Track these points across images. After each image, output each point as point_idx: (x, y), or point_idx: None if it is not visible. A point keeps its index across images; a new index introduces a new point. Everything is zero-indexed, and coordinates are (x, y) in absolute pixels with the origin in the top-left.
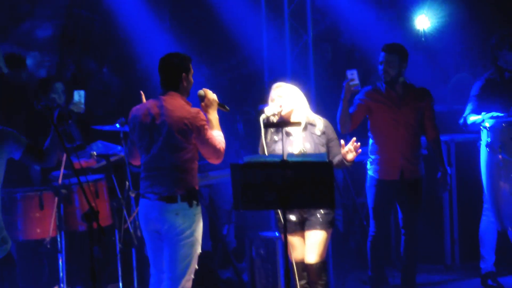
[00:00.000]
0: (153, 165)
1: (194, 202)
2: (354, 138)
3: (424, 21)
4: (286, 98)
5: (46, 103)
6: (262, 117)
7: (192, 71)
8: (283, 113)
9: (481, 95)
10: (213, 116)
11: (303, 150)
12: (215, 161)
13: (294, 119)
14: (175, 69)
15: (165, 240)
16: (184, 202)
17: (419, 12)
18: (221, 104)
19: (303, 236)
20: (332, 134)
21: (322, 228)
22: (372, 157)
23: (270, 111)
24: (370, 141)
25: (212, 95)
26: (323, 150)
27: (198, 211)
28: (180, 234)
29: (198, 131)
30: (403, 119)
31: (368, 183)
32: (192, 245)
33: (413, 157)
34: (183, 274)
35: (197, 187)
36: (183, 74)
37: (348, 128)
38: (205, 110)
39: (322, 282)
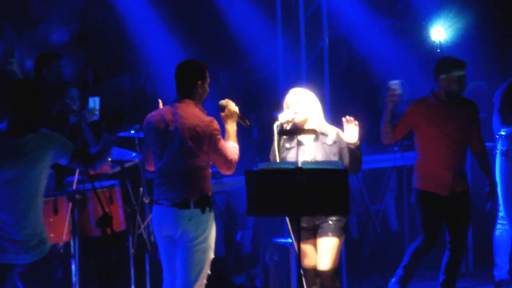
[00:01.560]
0: (166, 171)
1: (207, 208)
2: (346, 118)
3: (440, 32)
4: (301, 105)
5: (61, 108)
6: (276, 124)
7: (208, 79)
8: (297, 120)
9: (503, 108)
10: (231, 127)
11: (314, 159)
12: (226, 171)
13: (308, 127)
14: (190, 75)
15: (178, 246)
16: (197, 208)
17: (435, 23)
18: (241, 118)
19: (315, 243)
20: (344, 142)
21: (334, 235)
22: (420, 172)
23: (284, 118)
24: (417, 155)
25: (233, 107)
26: (334, 159)
27: (211, 217)
28: (193, 240)
29: (210, 139)
30: (453, 134)
31: (416, 196)
32: (205, 251)
33: (462, 171)
34: (196, 279)
35: (210, 193)
36: (199, 81)
37: (390, 139)
38: (225, 120)
39: None
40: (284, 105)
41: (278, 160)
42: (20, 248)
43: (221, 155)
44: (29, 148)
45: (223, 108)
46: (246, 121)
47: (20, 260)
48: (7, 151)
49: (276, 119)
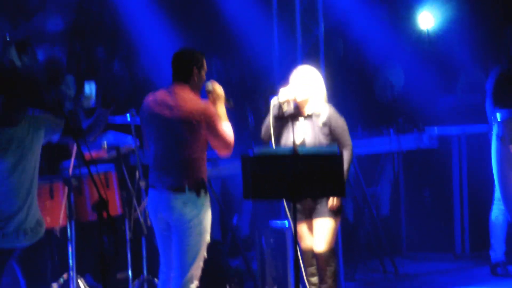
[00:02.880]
0: (161, 155)
1: (202, 192)
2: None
3: (428, 18)
4: (305, 85)
5: (54, 95)
6: (273, 102)
7: (205, 68)
8: (298, 100)
9: (496, 91)
10: (221, 109)
11: (303, 141)
12: (225, 152)
13: (308, 108)
14: (186, 62)
15: (173, 229)
16: (192, 191)
17: (423, 9)
18: (226, 99)
19: (311, 225)
20: (335, 122)
21: (330, 216)
22: None
23: (285, 97)
24: None
25: (219, 89)
26: (324, 140)
27: (206, 201)
28: (188, 223)
29: (208, 124)
30: None
31: None
32: (201, 233)
33: None
34: (192, 262)
35: (205, 177)
36: (194, 67)
37: None
38: (213, 103)
39: (331, 269)
40: (290, 80)
41: (272, 137)
42: (20, 230)
43: (221, 138)
44: (24, 134)
45: (209, 91)
46: (231, 101)
47: (20, 243)
48: (4, 139)
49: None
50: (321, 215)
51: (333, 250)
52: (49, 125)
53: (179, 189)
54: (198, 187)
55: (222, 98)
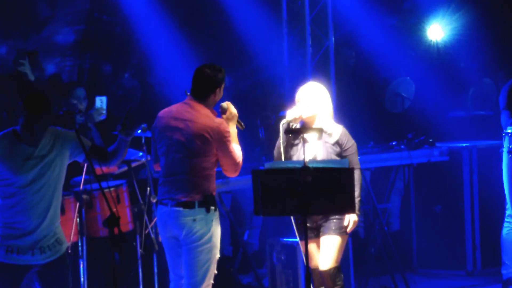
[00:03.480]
0: (172, 170)
1: (212, 208)
2: None
3: (437, 30)
4: (311, 102)
5: (67, 108)
6: (282, 122)
7: (224, 83)
8: (304, 117)
9: (509, 104)
10: (233, 129)
11: (315, 158)
12: (232, 174)
13: (316, 125)
14: (210, 82)
15: (183, 246)
16: (201, 208)
17: (432, 21)
18: (239, 121)
19: (318, 243)
20: (347, 142)
21: (336, 233)
22: None
23: (292, 115)
24: None
25: (234, 110)
26: (335, 158)
27: (215, 217)
28: (197, 240)
29: (220, 142)
30: None
31: None
32: (210, 250)
33: None
34: (203, 280)
35: (214, 193)
36: (217, 88)
37: None
38: (226, 123)
39: (338, 287)
40: (296, 100)
41: (283, 158)
42: (36, 248)
43: (231, 157)
44: (46, 152)
45: (224, 110)
46: (242, 123)
47: (37, 261)
48: (25, 156)
49: (283, 117)
50: (327, 232)
51: (339, 267)
52: (75, 145)
53: (188, 205)
54: (207, 203)
55: (235, 118)
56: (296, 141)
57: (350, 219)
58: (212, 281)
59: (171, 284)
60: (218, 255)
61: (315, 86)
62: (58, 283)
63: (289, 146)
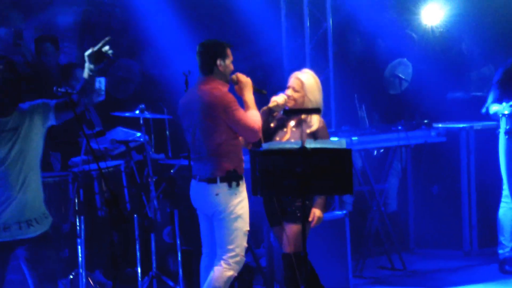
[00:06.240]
0: (195, 149)
1: (234, 183)
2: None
3: (433, 13)
4: (299, 92)
5: (66, 89)
6: (263, 108)
7: (230, 57)
8: (289, 105)
9: (502, 83)
10: (248, 97)
11: None
12: (251, 139)
13: (298, 115)
14: (209, 55)
15: (211, 219)
16: (223, 183)
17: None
18: (257, 89)
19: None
20: (322, 136)
21: (298, 220)
22: None
23: (273, 102)
24: None
25: (244, 78)
26: None
27: (238, 191)
28: (221, 214)
29: (225, 112)
30: None
31: None
32: (234, 222)
33: None
34: (231, 250)
35: (238, 168)
36: (218, 59)
37: None
38: (240, 93)
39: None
40: (287, 86)
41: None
42: (23, 222)
43: (242, 125)
44: (16, 124)
45: (235, 82)
46: (263, 90)
47: (23, 235)
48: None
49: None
50: (289, 219)
51: (300, 253)
52: (41, 110)
53: (212, 181)
54: (229, 178)
55: (248, 85)
56: (274, 126)
57: (315, 214)
58: (243, 254)
59: (201, 257)
60: (246, 228)
61: (305, 76)
62: (46, 264)
63: (265, 131)
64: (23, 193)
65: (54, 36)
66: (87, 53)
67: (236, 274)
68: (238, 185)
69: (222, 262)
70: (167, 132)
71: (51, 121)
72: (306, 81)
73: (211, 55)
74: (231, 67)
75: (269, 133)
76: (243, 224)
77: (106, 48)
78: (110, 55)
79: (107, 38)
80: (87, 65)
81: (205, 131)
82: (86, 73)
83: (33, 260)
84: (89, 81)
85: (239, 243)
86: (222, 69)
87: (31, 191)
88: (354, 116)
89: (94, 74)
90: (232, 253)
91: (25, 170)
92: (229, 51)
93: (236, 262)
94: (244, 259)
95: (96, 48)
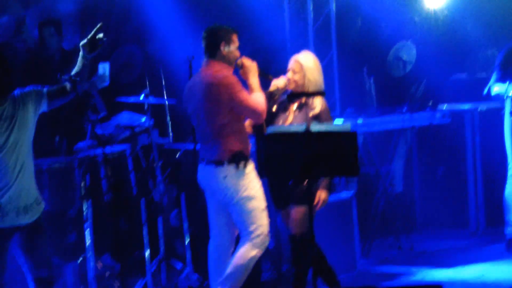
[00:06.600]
0: (201, 133)
1: (241, 164)
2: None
3: None
4: (299, 73)
5: (69, 75)
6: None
7: (235, 42)
8: (290, 88)
9: (505, 64)
10: (252, 80)
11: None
12: (256, 121)
13: (300, 97)
14: (213, 38)
15: (221, 203)
16: (231, 164)
17: None
18: (263, 73)
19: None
20: (325, 119)
21: (304, 202)
22: None
23: (275, 85)
24: None
25: (248, 62)
26: None
27: (247, 171)
28: (233, 198)
29: (227, 94)
30: None
31: None
32: (248, 204)
33: None
34: (251, 232)
35: (245, 150)
36: (222, 42)
37: None
38: (245, 77)
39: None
40: (288, 68)
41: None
42: (20, 208)
43: (245, 106)
44: (10, 112)
45: (240, 66)
46: (269, 75)
47: (21, 221)
48: None
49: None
50: (293, 201)
51: (304, 235)
52: (34, 97)
53: (219, 163)
54: (237, 159)
55: (253, 69)
56: (276, 110)
57: (320, 197)
58: (266, 232)
59: (209, 240)
60: (262, 206)
61: (304, 59)
62: (40, 250)
63: (267, 115)
64: (19, 180)
65: (58, 21)
66: (82, 43)
67: (260, 254)
68: (245, 166)
69: (246, 242)
70: (168, 117)
71: (43, 108)
72: (304, 62)
73: (215, 39)
74: (237, 53)
75: (271, 117)
76: (259, 203)
77: (100, 35)
78: (104, 41)
79: (98, 25)
80: (81, 53)
81: (209, 113)
82: (80, 62)
83: (28, 248)
84: (83, 69)
85: (259, 223)
86: (225, 54)
87: (27, 177)
88: (358, 98)
89: (88, 62)
90: (255, 233)
91: (21, 157)
92: (234, 37)
93: (260, 241)
94: (268, 237)
95: (89, 36)
